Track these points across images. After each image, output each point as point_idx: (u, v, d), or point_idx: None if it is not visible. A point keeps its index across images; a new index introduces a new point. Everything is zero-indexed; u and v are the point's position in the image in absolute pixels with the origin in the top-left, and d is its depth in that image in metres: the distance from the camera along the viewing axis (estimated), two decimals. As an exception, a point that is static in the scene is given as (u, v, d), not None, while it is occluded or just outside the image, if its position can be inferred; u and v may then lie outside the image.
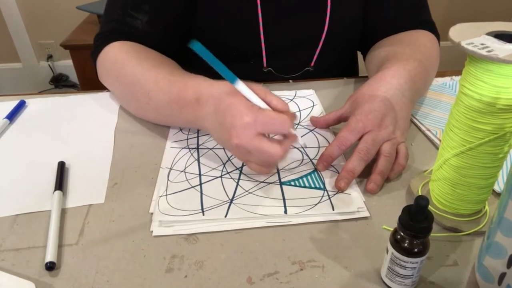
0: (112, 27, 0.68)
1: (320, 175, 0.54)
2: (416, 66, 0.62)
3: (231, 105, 0.48)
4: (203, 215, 0.48)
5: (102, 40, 0.68)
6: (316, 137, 0.62)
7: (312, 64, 0.79)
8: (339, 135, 0.54)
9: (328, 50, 0.78)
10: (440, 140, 0.59)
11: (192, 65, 0.65)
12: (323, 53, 0.78)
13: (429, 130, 0.62)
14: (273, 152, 0.46)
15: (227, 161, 0.57)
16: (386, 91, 0.57)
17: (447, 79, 0.76)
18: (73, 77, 2.36)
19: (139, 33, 0.67)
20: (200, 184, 0.52)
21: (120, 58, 0.64)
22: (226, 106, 0.48)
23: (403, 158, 0.54)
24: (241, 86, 0.47)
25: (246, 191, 0.51)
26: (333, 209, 0.48)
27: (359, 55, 0.88)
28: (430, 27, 0.76)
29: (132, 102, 0.65)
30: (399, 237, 0.37)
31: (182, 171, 0.55)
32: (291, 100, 0.71)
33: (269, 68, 0.77)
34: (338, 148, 0.54)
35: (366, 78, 0.77)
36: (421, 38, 0.73)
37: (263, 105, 0.48)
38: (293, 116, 0.48)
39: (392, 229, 0.39)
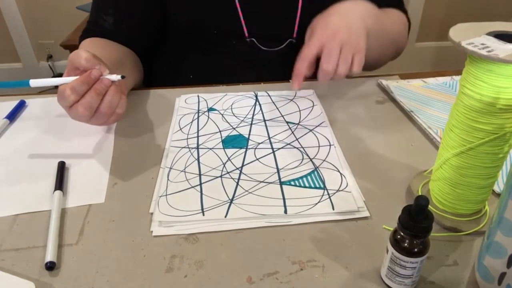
0: (88, 28, 0.77)
1: (320, 174, 0.54)
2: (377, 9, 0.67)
3: None
4: (203, 215, 0.48)
5: (80, 40, 0.77)
6: (316, 137, 0.62)
7: (295, 35, 0.79)
8: (301, 52, 0.61)
9: (309, 21, 0.77)
10: (441, 139, 0.59)
11: (167, 61, 0.72)
12: (304, 24, 0.76)
13: (430, 128, 0.62)
14: None
15: (227, 161, 0.57)
16: (338, 9, 0.63)
17: (447, 79, 0.76)
18: (73, 77, 2.36)
19: (107, 33, 0.75)
20: (200, 184, 0.52)
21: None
22: None
23: (357, 65, 0.60)
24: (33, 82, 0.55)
25: (246, 191, 0.51)
26: (333, 209, 0.48)
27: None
28: (403, 9, 0.81)
29: None
30: (399, 237, 0.37)
31: (182, 171, 0.55)
32: (291, 100, 0.71)
33: (252, 38, 0.77)
34: (302, 62, 0.60)
35: (365, 77, 0.77)
36: (391, 11, 0.78)
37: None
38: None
39: (392, 229, 0.39)
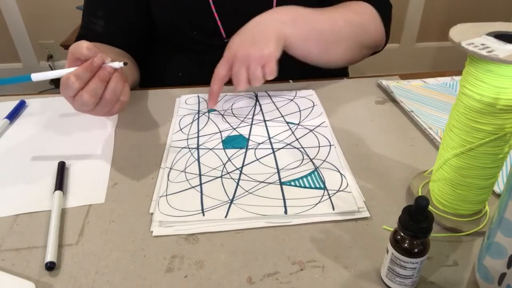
0: (80, 33, 0.78)
1: (320, 175, 0.54)
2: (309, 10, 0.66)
3: None
4: (203, 215, 0.48)
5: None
6: (316, 137, 0.62)
7: None
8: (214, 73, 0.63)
9: None
10: (441, 139, 0.59)
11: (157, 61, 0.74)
12: None
13: (430, 128, 0.62)
14: None
15: (227, 161, 0.57)
16: (250, 24, 0.64)
17: (447, 79, 0.76)
18: (73, 77, 2.36)
19: (99, 35, 0.75)
20: (200, 184, 0.52)
21: None
22: None
23: (269, 73, 0.61)
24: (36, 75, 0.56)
25: (246, 191, 0.51)
26: (333, 209, 0.48)
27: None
28: (379, 4, 0.75)
29: None
30: (399, 237, 0.37)
31: (182, 171, 0.55)
32: (291, 100, 0.71)
33: (230, 39, 0.77)
34: (215, 84, 0.63)
35: (365, 77, 0.77)
36: (350, 5, 0.73)
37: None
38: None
39: (392, 229, 0.39)
